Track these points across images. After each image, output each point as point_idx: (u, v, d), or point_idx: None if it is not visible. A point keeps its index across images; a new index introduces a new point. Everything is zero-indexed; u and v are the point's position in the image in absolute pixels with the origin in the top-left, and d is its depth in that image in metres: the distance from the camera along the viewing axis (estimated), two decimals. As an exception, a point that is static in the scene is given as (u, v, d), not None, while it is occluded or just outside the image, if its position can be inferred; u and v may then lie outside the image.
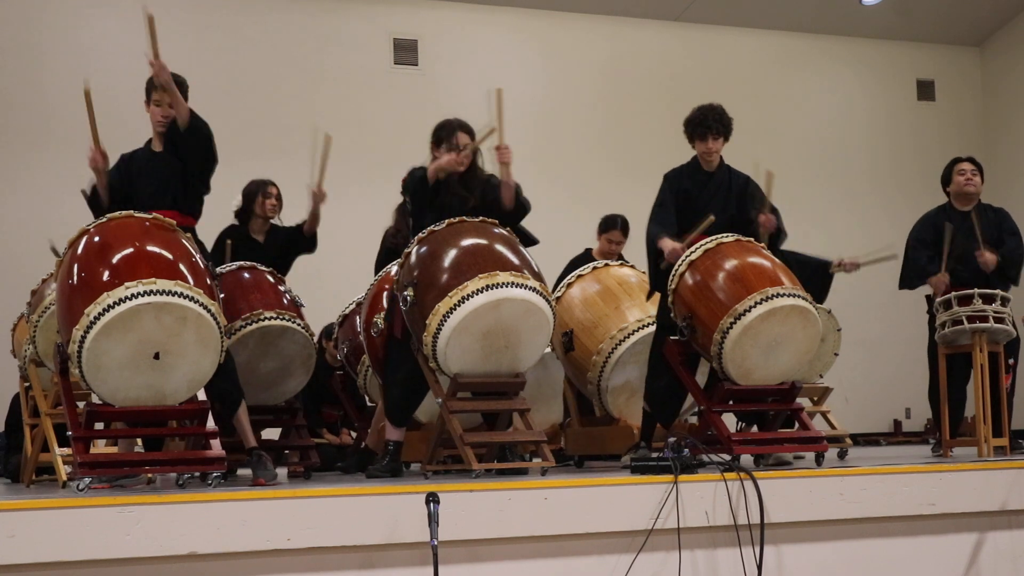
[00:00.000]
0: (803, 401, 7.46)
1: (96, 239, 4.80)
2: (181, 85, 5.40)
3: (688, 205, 5.80)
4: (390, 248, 6.77)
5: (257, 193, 6.49)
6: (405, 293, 5.19)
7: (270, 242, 6.52)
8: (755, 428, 6.39)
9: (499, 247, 5.28)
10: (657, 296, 5.88)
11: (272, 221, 6.58)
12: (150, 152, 5.47)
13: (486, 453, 5.54)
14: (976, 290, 6.21)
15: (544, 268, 5.61)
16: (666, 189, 5.87)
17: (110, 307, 4.49)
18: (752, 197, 5.84)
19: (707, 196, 5.81)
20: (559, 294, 6.65)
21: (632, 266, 6.90)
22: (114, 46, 10.53)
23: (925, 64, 13.34)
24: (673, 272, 5.54)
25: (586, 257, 7.36)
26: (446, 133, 5.64)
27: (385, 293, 5.93)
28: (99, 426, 5.25)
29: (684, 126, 5.89)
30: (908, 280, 6.95)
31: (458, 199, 5.51)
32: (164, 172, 5.35)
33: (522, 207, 5.64)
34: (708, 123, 5.81)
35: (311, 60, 11.17)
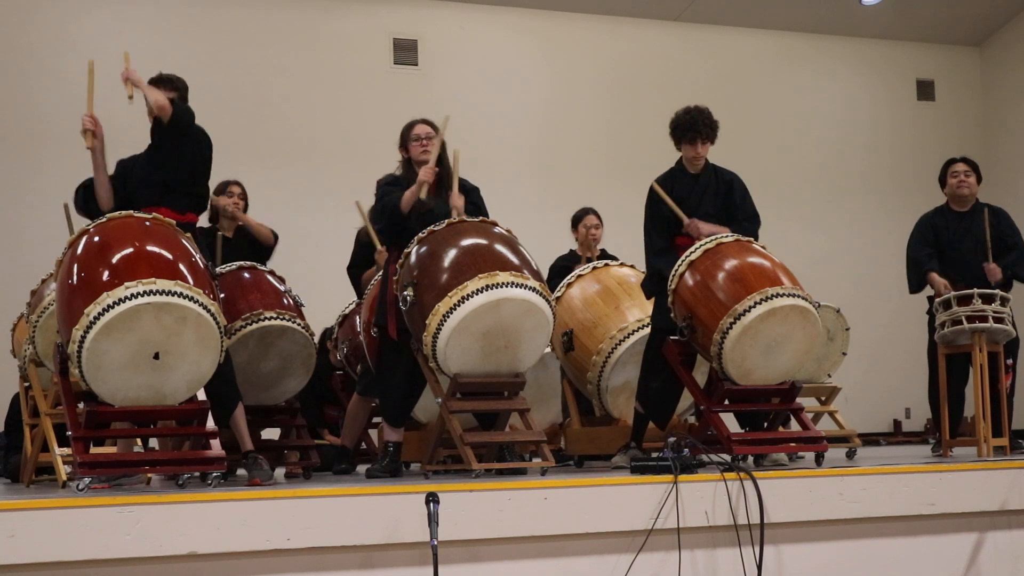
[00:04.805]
0: (811, 401, 7.49)
1: (96, 239, 4.79)
2: (179, 87, 5.40)
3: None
4: (364, 243, 6.91)
5: (220, 193, 6.61)
6: (405, 293, 5.19)
7: (239, 239, 6.61)
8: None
9: (499, 247, 5.28)
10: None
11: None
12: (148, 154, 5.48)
13: (485, 453, 5.54)
14: (976, 290, 6.21)
15: (545, 268, 5.62)
16: (654, 203, 5.86)
17: (110, 307, 4.49)
18: (741, 197, 5.83)
19: (695, 199, 5.81)
20: (559, 294, 6.65)
21: (632, 266, 6.90)
22: (106, 46, 10.51)
23: (925, 64, 13.34)
24: (673, 272, 5.54)
25: (572, 257, 7.36)
26: (406, 130, 5.72)
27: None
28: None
29: (671, 129, 5.84)
30: (914, 283, 6.92)
31: (433, 214, 5.52)
32: (159, 170, 5.34)
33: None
34: (697, 127, 5.75)
35: (311, 60, 11.17)
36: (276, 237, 6.69)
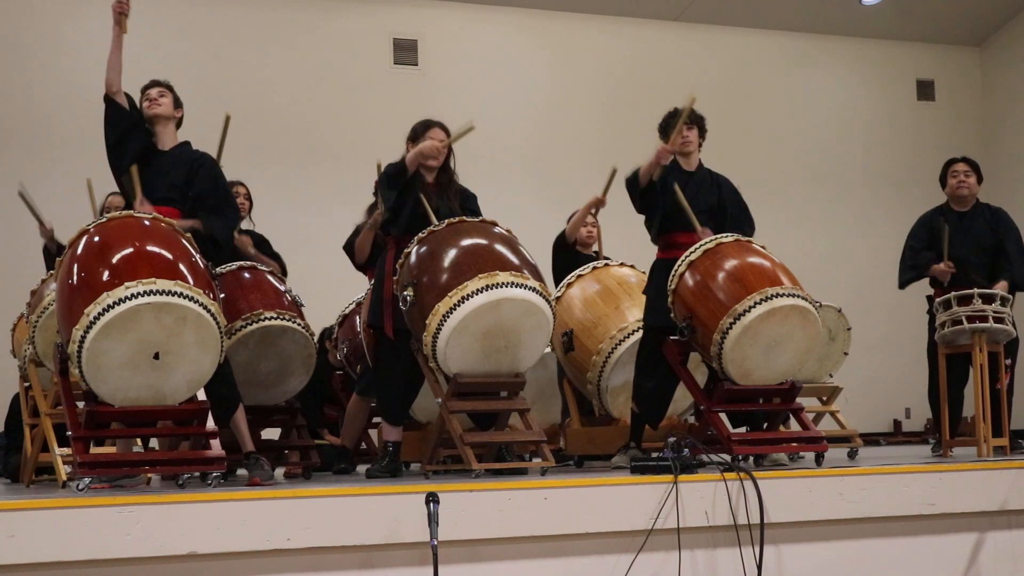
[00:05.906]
0: (812, 401, 7.49)
1: (96, 239, 4.79)
2: (175, 97, 5.42)
3: (673, 201, 5.80)
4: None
5: None
6: (405, 293, 5.20)
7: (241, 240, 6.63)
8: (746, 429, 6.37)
9: (499, 247, 5.28)
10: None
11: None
12: (156, 152, 5.46)
13: (484, 453, 5.54)
14: (976, 290, 6.21)
15: (545, 268, 5.61)
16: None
17: (110, 307, 4.48)
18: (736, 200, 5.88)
19: (690, 192, 5.82)
20: (559, 294, 6.65)
21: (632, 266, 6.90)
22: (105, 47, 10.50)
23: (925, 64, 13.35)
24: (673, 272, 5.55)
25: (562, 242, 7.24)
26: (422, 128, 5.70)
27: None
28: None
29: (659, 129, 5.91)
30: (904, 275, 6.94)
31: (437, 210, 5.53)
32: (171, 174, 5.34)
33: None
34: (681, 112, 5.83)
35: (311, 60, 11.17)
36: (284, 268, 6.74)
